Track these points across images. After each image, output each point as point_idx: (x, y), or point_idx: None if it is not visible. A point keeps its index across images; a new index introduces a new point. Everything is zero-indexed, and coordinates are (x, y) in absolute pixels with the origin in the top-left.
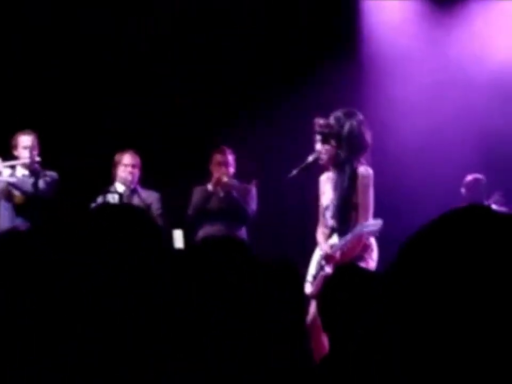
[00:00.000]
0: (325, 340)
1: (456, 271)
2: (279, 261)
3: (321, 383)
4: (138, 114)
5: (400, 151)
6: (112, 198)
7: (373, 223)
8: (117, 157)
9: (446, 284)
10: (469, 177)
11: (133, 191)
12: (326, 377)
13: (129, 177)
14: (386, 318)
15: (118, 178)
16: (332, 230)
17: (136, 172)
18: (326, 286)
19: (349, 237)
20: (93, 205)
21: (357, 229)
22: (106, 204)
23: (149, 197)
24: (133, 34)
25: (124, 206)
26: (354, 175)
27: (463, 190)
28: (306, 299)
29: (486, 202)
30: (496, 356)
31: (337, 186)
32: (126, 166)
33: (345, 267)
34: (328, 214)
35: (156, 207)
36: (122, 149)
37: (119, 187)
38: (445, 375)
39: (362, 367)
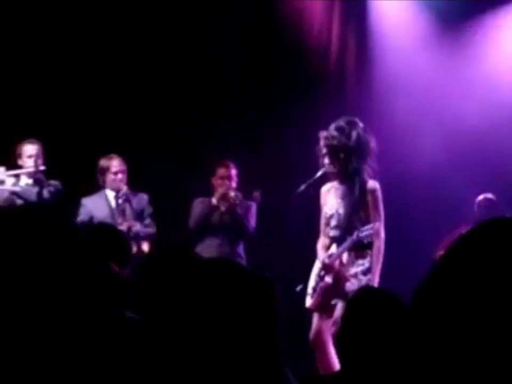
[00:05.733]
0: (330, 354)
1: (496, 286)
2: (254, 274)
3: None
4: (133, 121)
5: (405, 167)
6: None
7: (368, 227)
8: (104, 163)
9: (485, 299)
10: (481, 197)
11: (125, 199)
12: None
13: (120, 185)
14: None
15: (107, 185)
16: (332, 240)
17: (125, 177)
18: (350, 308)
19: (346, 243)
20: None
21: (354, 235)
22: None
23: (141, 201)
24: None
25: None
26: (363, 189)
27: (475, 209)
28: (307, 312)
29: None
30: None
31: (345, 197)
32: (116, 174)
33: (369, 289)
34: (333, 222)
35: (147, 212)
36: (108, 154)
37: (109, 194)
38: None
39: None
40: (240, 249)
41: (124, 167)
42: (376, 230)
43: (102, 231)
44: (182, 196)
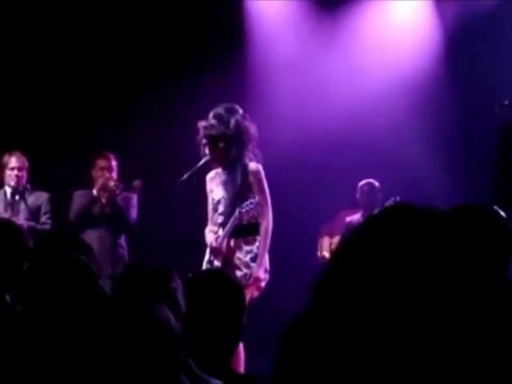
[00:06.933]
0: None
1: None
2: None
3: None
4: (24, 116)
5: (284, 152)
6: None
7: (247, 203)
8: (4, 160)
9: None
10: (363, 182)
11: (21, 195)
12: None
13: (15, 181)
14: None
15: (5, 181)
16: (220, 226)
17: (23, 174)
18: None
19: (230, 223)
20: None
21: (236, 213)
22: None
23: (38, 199)
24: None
25: None
26: (245, 172)
27: (357, 195)
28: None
29: (378, 209)
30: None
31: (227, 183)
32: (13, 169)
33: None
34: (221, 209)
35: (44, 210)
36: (9, 150)
37: (8, 190)
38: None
39: None
40: (122, 240)
41: (21, 164)
42: (260, 208)
43: None
44: (64, 190)
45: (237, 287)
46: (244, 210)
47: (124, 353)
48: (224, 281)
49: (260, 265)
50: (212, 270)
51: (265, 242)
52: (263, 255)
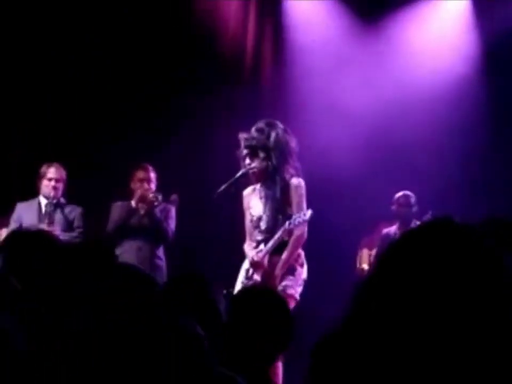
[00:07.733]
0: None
1: (427, 280)
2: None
3: None
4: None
5: (323, 162)
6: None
7: (298, 214)
8: (42, 170)
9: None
10: (399, 194)
11: (56, 206)
12: None
13: (53, 192)
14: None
15: (41, 191)
16: (261, 243)
17: (60, 186)
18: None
19: (278, 234)
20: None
21: (286, 224)
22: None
23: (72, 212)
24: None
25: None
26: (286, 186)
27: (393, 207)
28: None
29: (414, 222)
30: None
31: (267, 198)
32: (50, 180)
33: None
34: (263, 226)
35: (77, 224)
36: (49, 161)
37: (43, 200)
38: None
39: None
40: (160, 252)
41: (59, 176)
42: (309, 217)
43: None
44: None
45: (283, 305)
46: (296, 222)
47: (128, 361)
48: (272, 299)
49: (279, 268)
50: (259, 287)
51: (293, 251)
52: (286, 261)
